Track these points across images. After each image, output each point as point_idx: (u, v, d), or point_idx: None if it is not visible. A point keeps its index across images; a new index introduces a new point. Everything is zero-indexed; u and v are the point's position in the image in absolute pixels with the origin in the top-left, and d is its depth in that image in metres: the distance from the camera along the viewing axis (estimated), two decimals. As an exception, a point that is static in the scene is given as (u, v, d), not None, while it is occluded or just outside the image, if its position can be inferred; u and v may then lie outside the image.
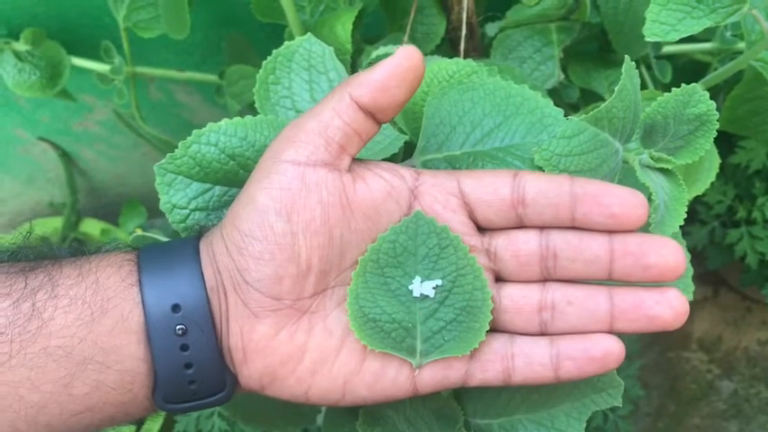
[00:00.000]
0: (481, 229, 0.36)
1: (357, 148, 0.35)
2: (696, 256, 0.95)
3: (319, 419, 0.45)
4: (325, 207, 0.34)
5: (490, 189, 0.35)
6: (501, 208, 0.35)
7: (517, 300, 0.35)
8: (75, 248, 0.37)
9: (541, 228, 0.35)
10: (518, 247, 0.35)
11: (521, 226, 0.35)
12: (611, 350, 0.34)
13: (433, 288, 0.35)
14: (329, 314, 0.35)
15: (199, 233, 0.37)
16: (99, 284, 0.34)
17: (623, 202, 0.33)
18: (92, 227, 1.02)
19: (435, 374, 0.35)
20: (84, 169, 1.01)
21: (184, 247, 0.35)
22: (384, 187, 0.35)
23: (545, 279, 0.35)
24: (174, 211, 0.37)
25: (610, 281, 0.35)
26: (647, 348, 1.00)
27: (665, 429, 0.95)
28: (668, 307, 0.34)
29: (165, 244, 0.36)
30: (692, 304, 0.35)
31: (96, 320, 0.33)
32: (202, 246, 0.36)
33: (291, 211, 0.33)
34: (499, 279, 0.36)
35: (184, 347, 0.34)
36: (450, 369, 0.35)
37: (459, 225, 0.35)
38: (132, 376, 0.33)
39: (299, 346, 0.35)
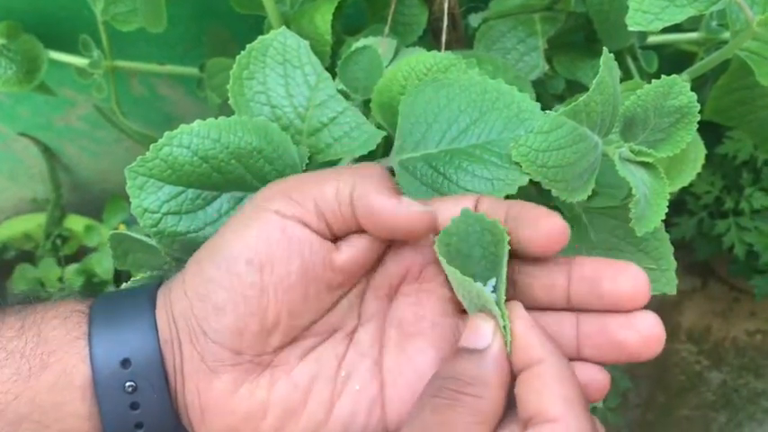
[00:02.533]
0: None
1: (342, 232, 0.33)
2: (684, 246, 0.95)
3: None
4: (306, 265, 0.32)
5: (449, 214, 0.33)
6: None
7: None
8: (26, 295, 0.35)
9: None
10: None
11: None
12: (593, 379, 0.32)
13: (492, 288, 0.32)
14: (294, 367, 0.33)
15: (160, 280, 0.35)
16: (41, 337, 0.32)
17: (538, 226, 0.31)
18: (75, 223, 1.01)
19: (406, 413, 0.33)
20: (66, 165, 1.00)
21: (140, 295, 0.34)
22: (369, 246, 0.33)
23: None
24: (146, 215, 0.36)
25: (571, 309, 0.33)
26: (636, 340, 1.00)
27: (653, 421, 0.95)
28: (635, 333, 0.31)
29: (122, 293, 0.34)
30: (681, 295, 0.34)
31: (35, 376, 0.31)
32: (160, 293, 0.34)
33: (265, 263, 0.31)
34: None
35: (134, 406, 0.31)
36: None
37: (427, 256, 0.34)
38: None
39: (261, 403, 0.32)
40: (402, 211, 0.32)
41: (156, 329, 0.32)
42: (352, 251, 0.33)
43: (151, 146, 0.35)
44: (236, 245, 0.32)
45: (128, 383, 0.31)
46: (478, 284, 0.30)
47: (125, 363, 0.31)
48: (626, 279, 0.31)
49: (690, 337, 1.01)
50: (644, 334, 0.31)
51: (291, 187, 0.33)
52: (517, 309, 0.31)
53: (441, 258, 0.32)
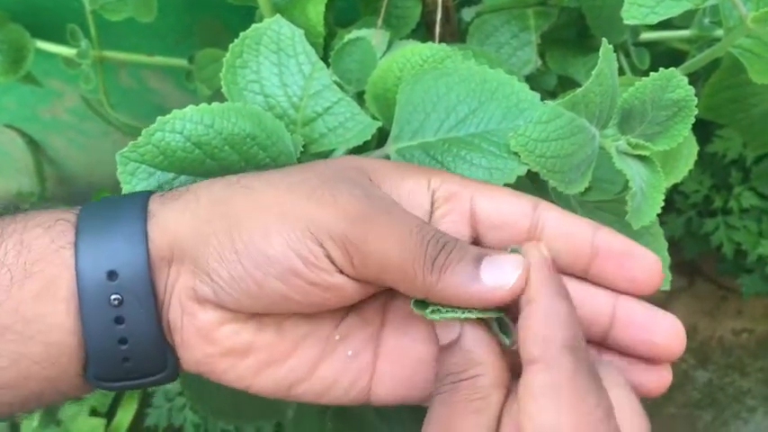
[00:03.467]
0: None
1: None
2: (672, 245, 0.95)
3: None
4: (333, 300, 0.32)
5: (506, 217, 0.33)
6: (513, 238, 0.32)
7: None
8: (5, 206, 0.33)
9: None
10: None
11: None
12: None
13: None
14: (286, 319, 0.33)
15: (149, 192, 0.34)
16: (24, 245, 0.30)
17: (645, 267, 0.32)
18: (61, 216, 1.00)
19: (394, 392, 0.33)
20: (53, 157, 0.99)
21: (131, 205, 0.32)
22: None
23: None
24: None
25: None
26: (624, 338, 1.00)
27: (641, 418, 0.95)
28: (656, 379, 0.33)
29: (111, 200, 0.33)
30: (668, 294, 0.34)
31: (17, 285, 0.30)
32: (158, 204, 0.32)
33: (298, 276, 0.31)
34: None
35: (119, 320, 0.30)
36: (413, 390, 0.33)
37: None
38: (59, 349, 0.30)
39: (244, 344, 0.32)
40: (484, 289, 0.30)
41: (146, 242, 0.31)
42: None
43: (143, 131, 0.35)
44: (274, 241, 0.30)
45: (113, 296, 0.30)
46: None
47: (111, 275, 0.30)
48: (676, 337, 0.33)
49: (677, 335, 1.02)
50: (662, 383, 0.34)
51: (354, 220, 0.31)
52: (533, 250, 0.30)
53: None
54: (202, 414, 0.43)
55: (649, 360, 0.33)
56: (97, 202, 0.33)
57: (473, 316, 0.30)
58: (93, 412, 0.91)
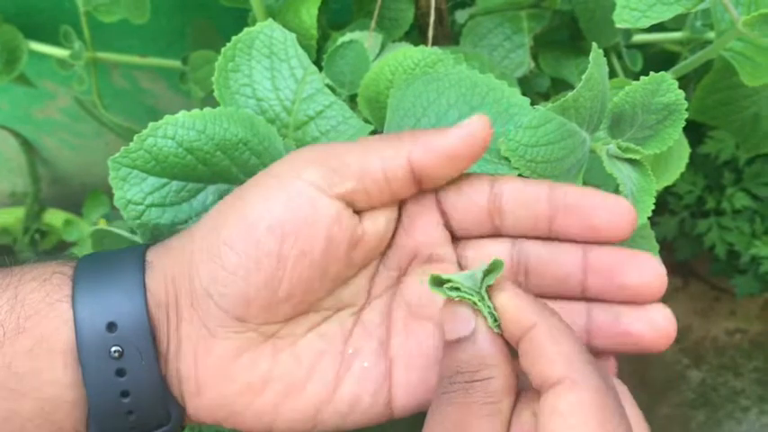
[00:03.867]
0: (456, 237, 0.34)
1: (377, 205, 0.32)
2: (666, 246, 0.95)
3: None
4: (331, 243, 0.31)
5: (466, 197, 0.33)
6: (477, 217, 0.33)
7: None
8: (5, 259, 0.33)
9: (516, 237, 0.33)
10: (489, 256, 0.32)
11: (498, 234, 0.33)
12: None
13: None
14: (299, 339, 0.32)
15: (150, 241, 0.34)
16: (18, 300, 0.30)
17: (604, 213, 0.31)
18: (55, 217, 1.00)
19: (414, 396, 0.33)
20: (46, 158, 0.99)
21: (128, 256, 0.32)
22: (391, 220, 0.33)
23: None
24: (129, 207, 0.35)
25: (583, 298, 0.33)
26: (618, 338, 1.01)
27: (634, 419, 0.96)
28: (649, 326, 0.31)
29: (108, 254, 0.32)
30: (662, 294, 0.34)
31: (9, 341, 0.29)
32: (155, 254, 0.32)
33: (288, 234, 0.30)
34: None
35: (120, 372, 0.30)
36: (431, 391, 0.33)
37: (435, 237, 0.33)
38: (54, 405, 0.30)
39: (261, 376, 0.31)
40: (467, 128, 0.31)
41: (144, 292, 0.31)
42: (375, 227, 0.32)
43: (135, 136, 0.35)
44: (259, 209, 0.30)
45: (114, 348, 0.30)
46: (456, 276, 0.30)
47: (111, 326, 0.30)
48: (649, 271, 0.31)
49: (670, 335, 1.02)
50: (658, 327, 0.31)
51: (329, 156, 0.31)
52: (501, 284, 0.30)
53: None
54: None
55: (633, 303, 0.32)
56: (94, 255, 0.33)
57: (485, 305, 0.29)
58: None
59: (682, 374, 0.99)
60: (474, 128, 0.31)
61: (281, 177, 0.31)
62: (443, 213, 0.33)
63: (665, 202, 0.94)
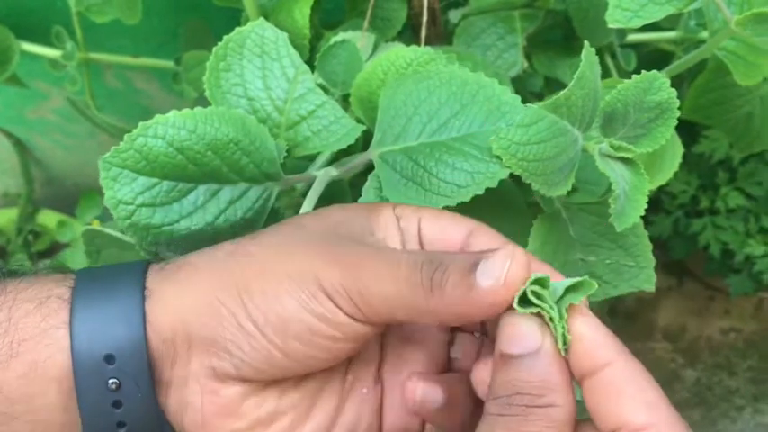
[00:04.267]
0: None
1: None
2: (660, 245, 0.95)
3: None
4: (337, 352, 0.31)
5: (442, 236, 0.32)
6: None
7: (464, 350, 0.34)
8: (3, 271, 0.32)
9: None
10: None
11: None
12: None
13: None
14: (304, 378, 0.32)
15: (146, 262, 0.33)
16: (11, 323, 0.29)
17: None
18: (48, 218, 1.00)
19: (399, 420, 0.33)
20: (39, 159, 0.99)
21: (128, 281, 0.31)
22: None
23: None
24: (120, 207, 0.35)
25: None
26: (612, 338, 1.01)
27: (629, 418, 0.96)
28: None
29: (107, 274, 0.32)
30: (657, 294, 0.34)
31: (2, 365, 0.29)
32: (155, 281, 0.31)
33: (319, 348, 0.30)
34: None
35: (117, 404, 0.29)
36: (412, 416, 0.33)
37: None
38: (46, 427, 0.29)
39: (269, 413, 0.31)
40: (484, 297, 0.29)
41: (144, 324, 0.30)
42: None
43: (125, 136, 0.35)
44: (288, 316, 0.30)
45: (111, 381, 0.29)
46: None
47: (109, 358, 0.29)
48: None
49: (665, 335, 1.02)
50: None
51: (362, 288, 0.30)
52: (579, 308, 0.28)
53: None
54: None
55: None
56: (91, 275, 0.32)
57: (561, 324, 0.27)
58: None
59: (676, 374, 0.99)
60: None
61: (309, 298, 0.30)
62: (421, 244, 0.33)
63: (659, 202, 0.94)
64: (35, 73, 0.82)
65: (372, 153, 0.38)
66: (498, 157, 0.34)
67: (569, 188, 0.36)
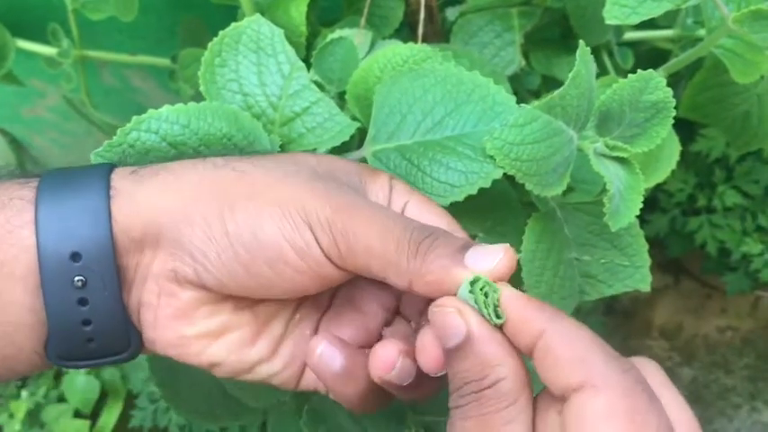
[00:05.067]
0: None
1: None
2: (657, 244, 0.95)
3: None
4: (315, 278, 0.32)
5: (423, 221, 0.32)
6: None
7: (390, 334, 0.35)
8: None
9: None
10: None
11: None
12: None
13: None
14: (257, 303, 0.33)
15: (110, 164, 0.33)
16: None
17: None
18: (44, 216, 0.99)
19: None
20: (35, 157, 0.98)
21: (93, 182, 0.31)
22: None
23: None
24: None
25: None
26: (609, 336, 1.01)
27: (626, 416, 0.96)
28: None
29: (71, 174, 0.32)
30: (653, 292, 0.34)
31: None
32: (122, 181, 0.31)
33: (297, 271, 0.31)
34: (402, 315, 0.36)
35: (83, 302, 0.30)
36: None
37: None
38: (14, 327, 0.30)
39: (219, 325, 0.32)
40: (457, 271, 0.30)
41: (110, 221, 0.30)
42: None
43: (118, 130, 0.35)
44: (268, 241, 0.30)
45: (77, 278, 0.30)
46: None
47: (75, 256, 0.30)
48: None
49: (662, 333, 1.02)
50: None
51: (346, 229, 0.30)
52: (502, 287, 0.29)
53: None
54: (177, 413, 0.43)
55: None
56: (55, 175, 0.32)
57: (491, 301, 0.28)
58: (77, 414, 0.90)
59: (673, 372, 0.99)
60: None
61: (291, 227, 0.31)
62: None
63: (656, 200, 0.94)
64: (31, 71, 0.82)
65: (366, 151, 0.38)
66: (492, 157, 0.34)
67: (564, 188, 0.36)
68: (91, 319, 0.30)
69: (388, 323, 0.35)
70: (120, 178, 0.32)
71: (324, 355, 0.32)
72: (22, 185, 0.31)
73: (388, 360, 0.31)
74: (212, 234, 0.31)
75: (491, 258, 0.29)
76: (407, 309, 0.35)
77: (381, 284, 0.32)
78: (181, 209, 0.31)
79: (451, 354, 0.28)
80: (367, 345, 0.34)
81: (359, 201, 0.32)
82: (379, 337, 0.35)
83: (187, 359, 0.32)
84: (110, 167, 0.32)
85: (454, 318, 0.28)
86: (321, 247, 0.30)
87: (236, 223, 0.31)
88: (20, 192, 0.31)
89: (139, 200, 0.31)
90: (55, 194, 0.30)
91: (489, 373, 0.27)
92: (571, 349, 0.27)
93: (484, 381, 0.27)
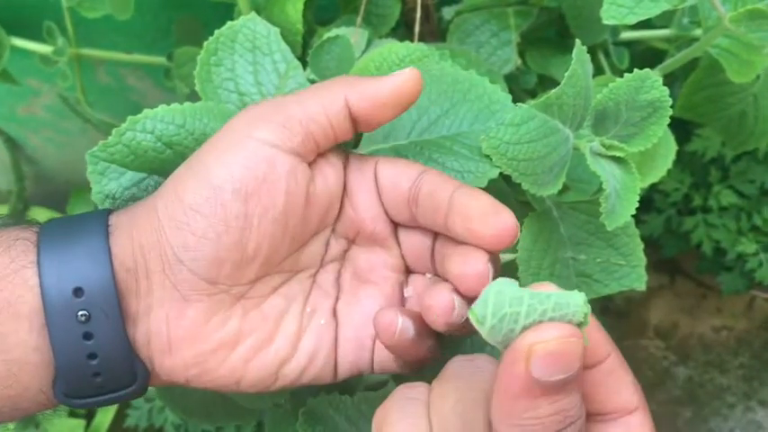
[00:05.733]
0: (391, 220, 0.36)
1: (325, 149, 0.34)
2: (652, 243, 0.95)
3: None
4: (290, 197, 0.32)
5: (394, 180, 0.34)
6: (398, 201, 0.34)
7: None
8: None
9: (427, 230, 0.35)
10: (413, 241, 0.35)
11: (416, 225, 0.35)
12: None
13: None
14: (265, 300, 0.34)
15: (113, 205, 0.35)
16: None
17: (484, 219, 0.32)
18: (39, 215, 0.99)
19: (349, 354, 0.35)
20: (30, 156, 0.98)
21: (91, 221, 0.32)
22: (337, 176, 0.34)
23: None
24: (107, 201, 0.35)
25: None
26: (605, 336, 1.01)
27: (621, 416, 0.96)
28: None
29: (70, 219, 0.33)
30: (649, 292, 0.34)
31: None
32: (117, 218, 0.33)
33: (251, 194, 0.31)
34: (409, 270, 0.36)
35: (87, 336, 0.30)
36: (363, 350, 0.35)
37: (375, 212, 0.35)
38: (20, 367, 0.30)
39: (233, 334, 0.33)
40: (396, 79, 0.33)
41: (109, 256, 0.31)
42: (326, 183, 0.34)
43: (114, 130, 0.35)
44: (221, 173, 0.31)
45: (80, 312, 0.30)
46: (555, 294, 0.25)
47: (78, 291, 0.30)
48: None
49: (657, 333, 1.02)
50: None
51: (273, 111, 0.33)
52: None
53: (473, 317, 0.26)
54: (174, 414, 0.43)
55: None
56: (56, 220, 0.33)
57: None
58: (72, 413, 0.90)
59: (668, 371, 0.99)
60: (405, 80, 0.33)
61: (235, 139, 0.32)
62: (378, 189, 0.35)
63: (651, 200, 0.94)
64: (26, 69, 0.81)
65: (362, 150, 0.38)
66: (488, 157, 0.34)
67: (559, 187, 0.36)
68: (96, 352, 0.31)
69: (405, 283, 0.36)
70: (115, 216, 0.33)
71: (402, 329, 0.32)
72: (25, 228, 0.32)
73: (446, 304, 0.31)
74: (178, 220, 0.31)
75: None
76: (417, 264, 0.36)
77: (381, 249, 0.35)
78: (148, 221, 0.32)
79: (548, 389, 0.25)
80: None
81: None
82: (403, 300, 0.36)
83: (209, 379, 0.33)
84: (108, 211, 0.34)
85: (576, 347, 0.25)
86: (276, 142, 0.32)
87: (191, 191, 0.31)
88: (23, 233, 0.32)
89: (126, 230, 0.32)
90: (56, 235, 0.32)
91: (579, 417, 0.26)
92: (628, 374, 0.29)
93: (580, 421, 0.26)
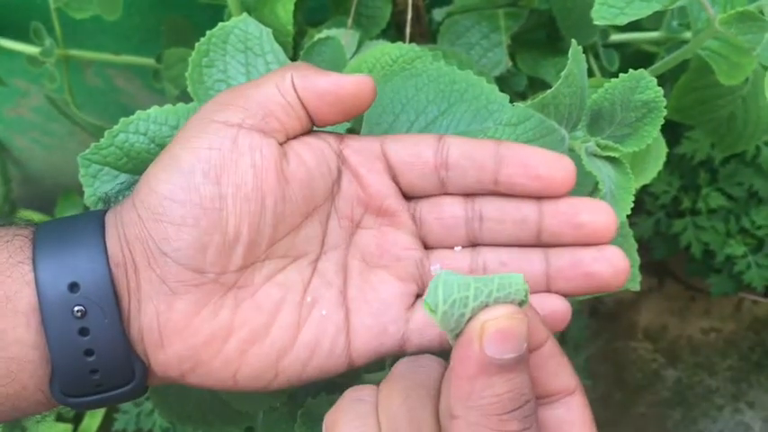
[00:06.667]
0: (407, 196, 0.35)
1: (293, 131, 0.33)
2: (642, 246, 0.96)
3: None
4: (258, 172, 0.32)
5: (413, 151, 0.34)
6: (423, 171, 0.34)
7: (447, 265, 0.34)
8: None
9: (466, 194, 0.34)
10: (442, 209, 0.34)
11: (444, 192, 0.34)
12: (556, 310, 0.33)
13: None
14: (258, 289, 0.33)
15: (106, 206, 0.34)
16: None
17: (550, 164, 0.32)
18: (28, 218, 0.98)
19: (369, 342, 0.33)
20: (17, 158, 0.97)
21: (87, 220, 0.32)
22: (315, 155, 0.33)
23: (473, 244, 0.34)
24: (100, 204, 0.35)
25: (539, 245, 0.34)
26: (594, 338, 1.01)
27: (611, 418, 0.96)
28: (607, 264, 0.32)
29: (67, 218, 0.33)
30: (638, 294, 0.34)
31: None
32: (109, 218, 0.32)
33: (221, 173, 0.31)
34: (427, 247, 0.35)
35: (84, 331, 0.30)
36: (386, 335, 0.33)
37: (383, 187, 0.34)
38: (18, 365, 0.30)
39: (225, 325, 0.32)
40: (346, 79, 0.33)
41: (105, 253, 0.31)
42: (299, 159, 0.33)
43: (106, 132, 0.34)
44: (189, 158, 0.31)
45: (76, 308, 0.30)
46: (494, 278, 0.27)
47: (73, 287, 0.30)
48: (601, 212, 0.33)
49: (646, 335, 1.03)
50: (614, 264, 0.32)
51: (233, 96, 0.33)
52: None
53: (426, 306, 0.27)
54: (168, 420, 0.42)
55: (588, 244, 0.33)
56: (54, 220, 0.33)
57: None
58: (60, 417, 0.89)
59: (657, 373, 0.99)
60: (353, 81, 0.33)
61: (200, 125, 0.32)
62: (390, 168, 0.34)
63: (641, 202, 0.95)
64: (14, 70, 0.81)
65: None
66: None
67: (556, 187, 0.36)
68: (93, 348, 0.30)
69: (419, 262, 0.34)
70: (107, 215, 0.33)
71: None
72: (23, 227, 0.32)
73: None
74: (155, 211, 0.31)
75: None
76: (443, 238, 0.35)
77: (391, 228, 0.34)
78: (130, 215, 0.32)
79: (492, 370, 0.26)
80: (425, 287, 0.34)
81: None
82: (423, 278, 0.34)
83: (203, 372, 0.32)
84: (104, 211, 0.33)
85: (521, 324, 0.27)
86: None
87: (163, 179, 0.31)
88: (21, 231, 0.32)
89: (115, 228, 0.32)
90: (52, 232, 0.32)
91: (531, 396, 0.28)
92: (565, 356, 0.30)
93: (529, 405, 0.27)
